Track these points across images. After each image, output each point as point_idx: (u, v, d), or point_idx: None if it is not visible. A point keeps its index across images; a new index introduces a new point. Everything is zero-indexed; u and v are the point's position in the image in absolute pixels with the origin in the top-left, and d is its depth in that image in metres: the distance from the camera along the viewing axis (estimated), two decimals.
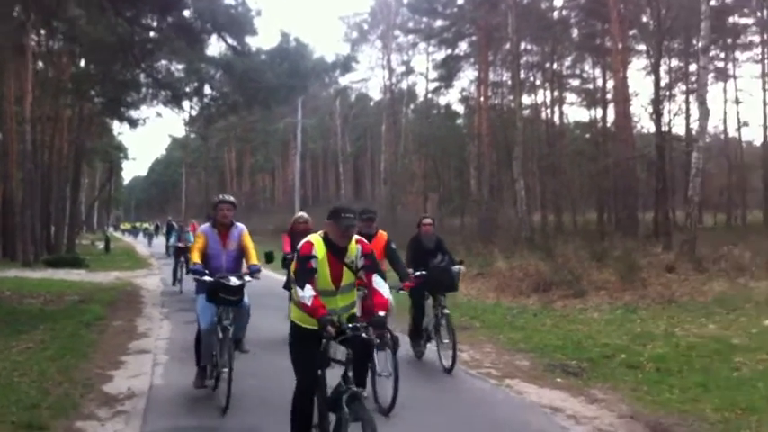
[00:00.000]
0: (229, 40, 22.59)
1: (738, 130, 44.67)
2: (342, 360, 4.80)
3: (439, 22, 45.40)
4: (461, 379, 8.39)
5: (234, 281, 7.07)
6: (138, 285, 20.43)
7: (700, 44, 21.46)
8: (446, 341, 8.62)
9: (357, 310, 5.66)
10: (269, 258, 8.44)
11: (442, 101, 52.68)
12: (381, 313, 4.89)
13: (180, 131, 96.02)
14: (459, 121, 54.38)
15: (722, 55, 40.90)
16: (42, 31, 28.04)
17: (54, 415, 6.59)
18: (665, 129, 29.72)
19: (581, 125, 51.29)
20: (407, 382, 7.17)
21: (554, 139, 42.66)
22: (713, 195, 37.59)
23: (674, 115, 34.68)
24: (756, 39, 38.84)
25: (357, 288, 5.35)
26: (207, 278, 7.09)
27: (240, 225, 7.66)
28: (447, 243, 9.74)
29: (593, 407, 7.17)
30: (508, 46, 35.18)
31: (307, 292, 4.74)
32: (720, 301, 13.27)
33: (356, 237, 5.12)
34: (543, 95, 45.67)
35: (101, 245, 43.93)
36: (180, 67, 27.39)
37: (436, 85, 50.51)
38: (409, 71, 53.15)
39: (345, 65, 37.83)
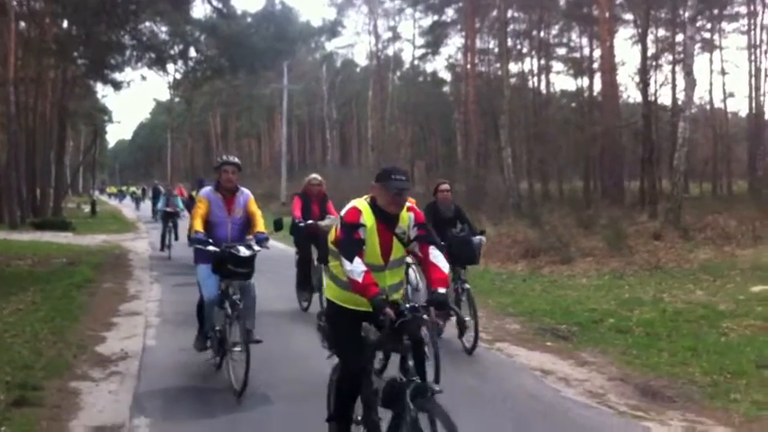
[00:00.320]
0: (214, 2, 22.39)
1: (724, 101, 44.90)
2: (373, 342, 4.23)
3: None
4: (452, 342, 8.45)
5: (244, 251, 6.41)
6: (126, 249, 20.36)
7: (687, 14, 21.44)
8: (467, 318, 7.80)
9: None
10: (278, 226, 7.99)
11: (429, 68, 52.80)
12: (442, 290, 4.23)
13: (165, 95, 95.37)
14: (446, 89, 54.24)
15: (708, 26, 40.89)
16: None
17: (48, 375, 6.59)
18: (651, 98, 29.80)
19: (568, 94, 51.37)
20: None
21: (541, 107, 42.68)
22: (699, 165, 37.79)
23: (661, 85, 34.75)
24: (743, 10, 38.82)
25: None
26: (212, 248, 6.45)
27: (246, 190, 7.03)
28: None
29: (584, 369, 7.26)
30: (495, 13, 34.99)
31: (356, 267, 4.09)
32: (706, 268, 13.44)
33: (408, 203, 4.44)
34: (530, 63, 45.66)
35: (87, 208, 43.67)
36: (164, 29, 27.04)
37: (423, 51, 50.33)
38: (396, 37, 52.91)
39: (332, 30, 37.59)
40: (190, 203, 15.73)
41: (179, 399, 6.15)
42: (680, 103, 25.15)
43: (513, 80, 38.89)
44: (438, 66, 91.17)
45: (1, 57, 28.72)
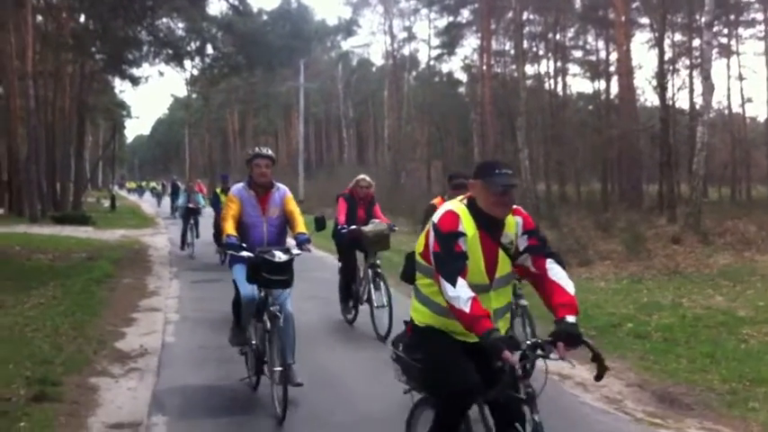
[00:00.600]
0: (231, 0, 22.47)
1: (742, 105, 44.44)
2: None
3: None
4: None
5: (279, 255, 5.65)
6: (145, 244, 20.42)
7: (704, 19, 21.27)
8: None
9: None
10: (320, 225, 7.21)
11: (445, 68, 52.78)
12: (571, 319, 3.25)
13: (182, 91, 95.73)
14: (462, 90, 54.14)
15: (725, 31, 40.60)
16: None
17: (67, 371, 6.62)
18: (669, 102, 29.64)
19: (584, 96, 51.24)
20: None
21: (557, 109, 42.55)
22: (717, 169, 37.57)
23: (678, 89, 34.51)
24: (759, 16, 38.58)
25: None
26: (246, 253, 5.72)
27: (282, 186, 6.35)
28: None
29: None
30: (511, 15, 34.93)
31: (462, 292, 3.23)
32: (726, 273, 13.32)
33: (515, 206, 3.57)
34: (546, 66, 45.50)
35: (106, 203, 44.04)
36: (181, 25, 27.25)
37: (438, 52, 50.33)
38: (411, 37, 53.02)
39: (348, 29, 37.70)
40: (215, 201, 15.23)
41: (197, 397, 6.16)
42: (698, 107, 25.04)
43: (529, 82, 38.80)
44: (454, 66, 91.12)
45: (19, 50, 28.99)
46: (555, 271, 3.45)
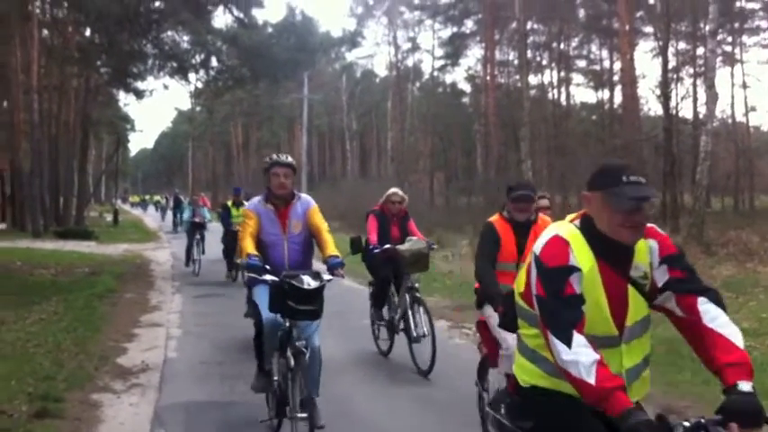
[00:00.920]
0: (236, 12, 22.60)
1: (746, 114, 44.49)
2: None
3: None
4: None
5: (308, 282, 4.72)
6: (147, 258, 20.46)
7: (708, 27, 21.34)
8: None
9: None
10: (355, 247, 6.44)
11: (449, 79, 52.76)
12: (746, 387, 2.31)
13: (186, 104, 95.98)
14: (466, 100, 54.24)
15: (729, 39, 40.64)
16: None
17: (69, 387, 6.60)
18: (672, 112, 29.64)
19: (588, 106, 51.25)
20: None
21: (561, 119, 42.57)
22: (721, 179, 37.53)
23: (682, 98, 34.50)
24: (764, 24, 38.66)
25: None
26: (270, 277, 4.91)
27: (306, 197, 5.60)
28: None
29: None
30: (515, 25, 35.01)
31: (581, 356, 2.35)
32: (729, 284, 13.27)
33: (648, 224, 2.61)
34: (550, 76, 45.63)
35: (109, 217, 43.99)
36: (186, 38, 27.34)
37: (442, 62, 50.47)
38: (415, 48, 53.14)
39: (352, 40, 37.68)
40: (225, 215, 14.71)
41: (200, 413, 6.13)
42: (701, 116, 25.04)
43: (532, 92, 38.86)
44: (457, 77, 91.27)
45: (24, 64, 29.07)
46: (712, 314, 2.46)
